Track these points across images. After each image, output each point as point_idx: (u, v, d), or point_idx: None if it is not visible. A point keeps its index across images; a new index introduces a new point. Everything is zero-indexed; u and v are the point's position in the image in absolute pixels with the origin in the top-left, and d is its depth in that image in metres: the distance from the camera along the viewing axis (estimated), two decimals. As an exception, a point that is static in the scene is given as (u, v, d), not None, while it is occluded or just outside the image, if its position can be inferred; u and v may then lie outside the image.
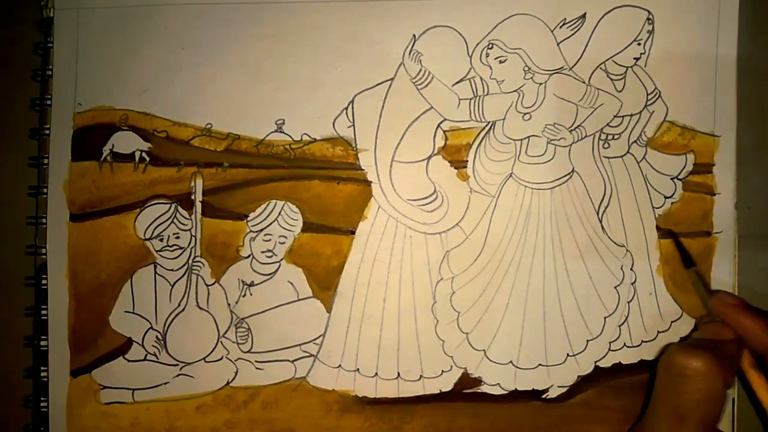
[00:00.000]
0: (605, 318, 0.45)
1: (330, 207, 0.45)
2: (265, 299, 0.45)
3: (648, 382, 0.44)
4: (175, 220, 0.45)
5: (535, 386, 0.45)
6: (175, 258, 0.45)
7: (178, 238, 0.45)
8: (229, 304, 0.45)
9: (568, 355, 0.45)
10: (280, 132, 0.45)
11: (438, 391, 0.45)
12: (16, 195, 0.46)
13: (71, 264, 0.45)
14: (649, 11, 0.45)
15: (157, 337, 0.45)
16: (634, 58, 0.45)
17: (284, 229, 0.45)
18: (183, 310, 0.45)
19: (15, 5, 0.47)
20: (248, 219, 0.45)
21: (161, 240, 0.45)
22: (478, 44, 0.45)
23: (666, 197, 0.45)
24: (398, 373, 0.45)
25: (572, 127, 0.45)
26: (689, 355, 0.34)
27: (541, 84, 0.45)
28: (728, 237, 0.45)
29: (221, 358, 0.45)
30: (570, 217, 0.45)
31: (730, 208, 0.45)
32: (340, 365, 0.45)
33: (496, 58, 0.45)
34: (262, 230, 0.45)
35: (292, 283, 0.45)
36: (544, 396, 0.45)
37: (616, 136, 0.45)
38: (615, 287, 0.45)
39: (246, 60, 0.45)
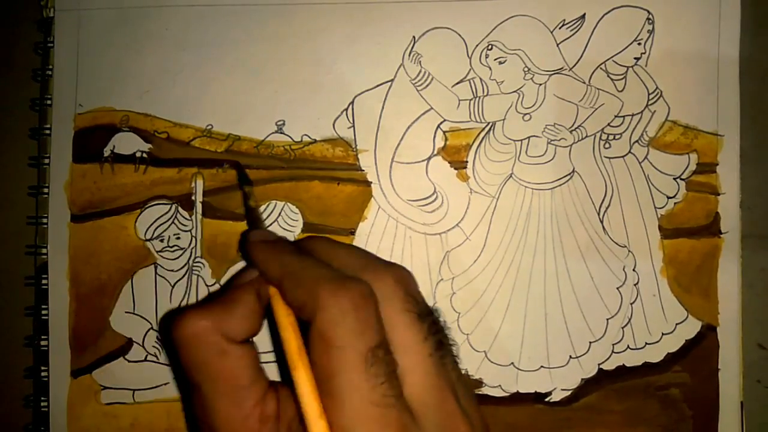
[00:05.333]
0: (608, 320, 0.45)
1: (330, 207, 0.45)
2: (265, 300, 0.45)
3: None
4: (175, 221, 0.45)
5: (537, 389, 0.45)
6: (175, 259, 0.46)
7: (178, 238, 0.45)
8: (229, 305, 0.45)
9: (570, 357, 0.45)
10: (281, 133, 0.46)
11: (438, 393, 0.45)
12: (16, 195, 0.46)
13: (72, 264, 0.45)
14: (648, 11, 0.45)
15: (157, 337, 0.45)
16: (635, 58, 0.45)
17: (284, 229, 0.45)
18: (183, 310, 0.45)
19: (15, 5, 0.47)
20: (248, 220, 0.45)
21: (162, 241, 0.45)
22: (477, 45, 0.45)
23: (669, 197, 0.45)
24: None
25: (573, 128, 0.45)
26: (176, 322, 0.30)
27: (541, 84, 0.45)
28: (733, 237, 0.44)
29: (221, 359, 0.45)
30: (571, 217, 0.45)
31: (734, 208, 0.44)
32: (340, 366, 0.45)
33: (495, 59, 0.45)
34: (262, 231, 0.45)
35: (292, 284, 0.45)
36: (547, 399, 0.45)
37: (617, 136, 0.45)
38: (617, 288, 0.45)
39: (246, 61, 0.46)
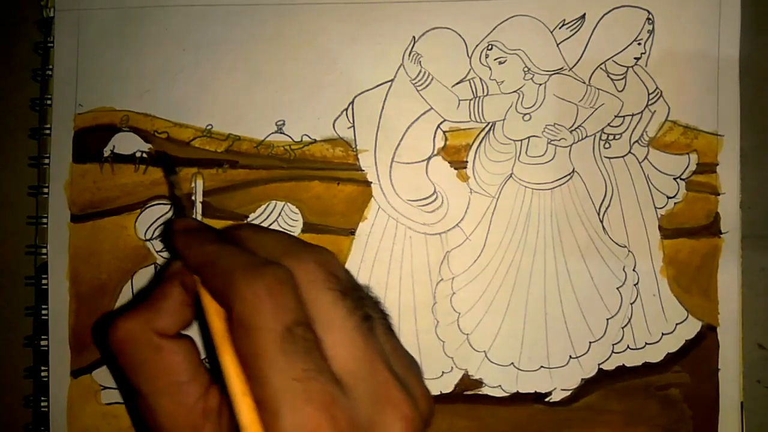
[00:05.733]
0: (608, 320, 0.45)
1: (330, 208, 0.45)
2: (265, 300, 0.45)
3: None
4: (175, 221, 0.45)
5: (537, 389, 0.45)
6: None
7: (178, 238, 0.45)
8: (229, 305, 0.45)
9: (570, 357, 0.45)
10: (281, 133, 0.46)
11: (438, 393, 0.45)
12: (16, 195, 0.46)
13: (72, 264, 0.45)
14: (648, 11, 0.45)
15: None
16: (635, 58, 0.45)
17: (284, 229, 0.45)
18: (183, 310, 0.45)
19: (15, 5, 0.47)
20: (248, 220, 0.45)
21: (162, 241, 0.45)
22: (477, 45, 0.45)
23: (669, 197, 0.45)
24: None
25: (573, 128, 0.45)
26: (110, 328, 0.30)
27: (541, 84, 0.45)
28: (734, 237, 0.44)
29: (221, 359, 0.45)
30: (570, 217, 0.45)
31: (735, 208, 0.44)
32: (339, 366, 0.45)
33: (495, 59, 0.45)
34: (262, 231, 0.45)
35: (292, 284, 0.45)
36: (547, 399, 0.45)
37: (617, 136, 0.45)
38: (617, 288, 0.45)
39: (246, 61, 0.46)
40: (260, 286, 0.28)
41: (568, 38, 0.45)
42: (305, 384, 0.27)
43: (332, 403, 0.27)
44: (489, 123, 0.45)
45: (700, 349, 0.44)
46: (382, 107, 0.45)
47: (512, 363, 0.45)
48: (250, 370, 0.28)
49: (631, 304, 0.45)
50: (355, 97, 0.46)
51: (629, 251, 0.45)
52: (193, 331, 0.33)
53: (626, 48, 0.45)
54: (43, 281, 0.45)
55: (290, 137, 0.46)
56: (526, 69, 0.45)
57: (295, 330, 0.28)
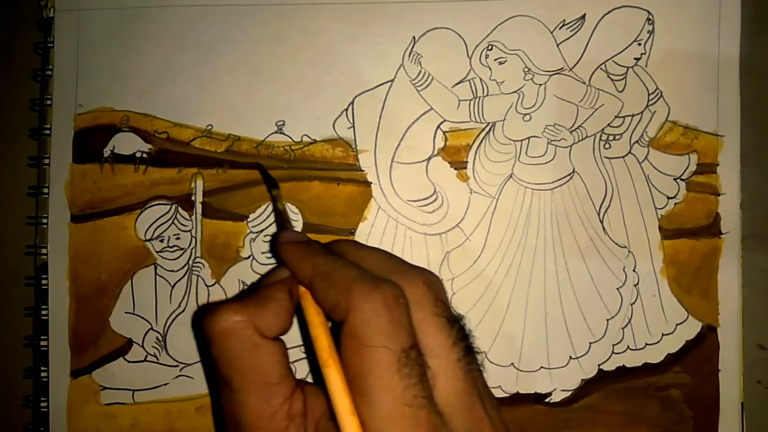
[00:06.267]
0: (608, 320, 0.45)
1: (330, 208, 0.45)
2: (264, 300, 0.45)
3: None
4: (175, 221, 0.45)
5: (537, 389, 0.45)
6: (175, 259, 0.46)
7: (178, 239, 0.45)
8: (229, 305, 0.45)
9: (570, 357, 0.45)
10: (281, 133, 0.46)
11: (438, 393, 0.45)
12: (16, 195, 0.46)
13: (72, 264, 0.45)
14: (648, 11, 0.45)
15: (157, 338, 0.45)
16: (635, 59, 0.45)
17: (284, 230, 0.45)
18: (183, 311, 0.45)
19: (15, 5, 0.47)
20: (248, 220, 0.45)
21: (162, 241, 0.45)
22: (477, 46, 0.45)
23: (669, 198, 0.45)
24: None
25: (573, 128, 0.45)
26: (210, 315, 0.31)
27: (541, 85, 0.45)
28: (734, 238, 0.44)
29: (221, 360, 0.45)
30: (571, 217, 0.45)
31: (735, 208, 0.44)
32: (339, 367, 0.45)
33: (495, 60, 0.45)
34: (262, 231, 0.45)
35: (292, 284, 0.45)
36: (547, 400, 0.45)
37: (617, 137, 0.45)
38: (617, 289, 0.45)
39: (246, 61, 0.46)
40: (378, 301, 0.29)
41: (568, 38, 0.45)
42: (415, 410, 0.27)
43: None
44: (489, 123, 0.45)
45: (701, 350, 0.44)
46: (382, 107, 0.45)
47: (512, 363, 0.45)
48: (359, 387, 0.28)
49: (631, 304, 0.45)
50: (355, 97, 0.46)
51: (629, 252, 0.45)
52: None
53: (626, 48, 0.45)
54: (43, 281, 0.45)
55: (290, 137, 0.46)
56: (526, 69, 0.45)
57: (411, 353, 0.28)
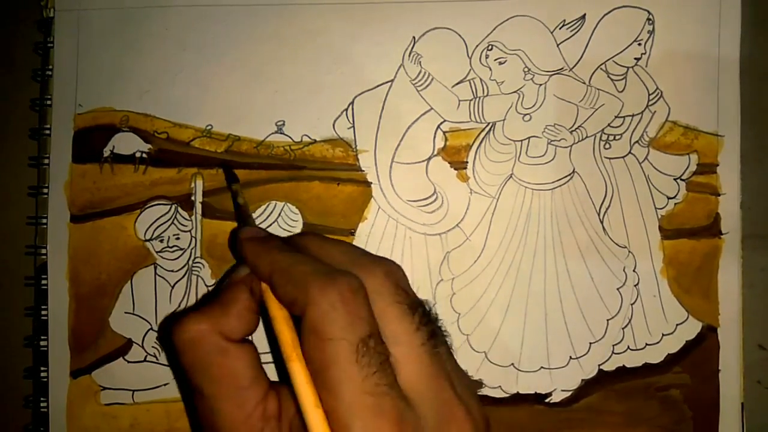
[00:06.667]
0: (608, 320, 0.45)
1: (330, 208, 0.45)
2: (264, 300, 0.45)
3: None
4: (175, 221, 0.45)
5: (537, 390, 0.45)
6: (175, 259, 0.45)
7: (178, 239, 0.45)
8: (228, 306, 0.45)
9: (570, 357, 0.45)
10: (281, 133, 0.46)
11: (438, 394, 0.45)
12: (16, 195, 0.46)
13: (71, 264, 0.45)
14: (649, 11, 0.45)
15: (156, 338, 0.45)
16: (635, 59, 0.45)
17: (284, 230, 0.45)
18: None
19: (15, 5, 0.47)
20: (248, 220, 0.45)
21: (161, 241, 0.45)
22: (477, 46, 0.45)
23: (669, 198, 0.45)
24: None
25: (573, 128, 0.45)
26: (176, 326, 0.30)
27: (541, 85, 0.45)
28: (734, 238, 0.44)
29: (221, 360, 0.45)
30: (571, 218, 0.45)
31: (735, 208, 0.44)
32: (339, 367, 0.45)
33: (495, 60, 0.45)
34: (261, 231, 0.45)
35: (291, 285, 0.45)
36: (547, 400, 0.45)
37: (617, 137, 0.45)
38: (617, 289, 0.45)
39: (246, 61, 0.46)
40: (334, 295, 0.29)
41: (568, 38, 0.45)
42: (377, 398, 0.27)
43: (402, 420, 0.28)
44: (489, 123, 0.45)
45: (701, 350, 0.44)
46: (382, 107, 0.45)
47: (512, 364, 0.45)
48: (322, 381, 0.28)
49: (632, 304, 0.45)
50: (355, 97, 0.45)
51: (629, 252, 0.45)
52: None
53: (626, 48, 0.45)
54: (43, 281, 0.45)
55: (290, 137, 0.46)
56: (526, 69, 0.45)
57: (369, 342, 0.28)
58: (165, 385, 0.45)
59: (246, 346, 0.31)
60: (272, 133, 0.46)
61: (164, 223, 0.45)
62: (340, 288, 0.29)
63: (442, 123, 0.45)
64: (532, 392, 0.45)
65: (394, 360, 0.29)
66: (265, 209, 0.45)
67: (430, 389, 0.29)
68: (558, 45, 0.45)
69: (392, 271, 0.32)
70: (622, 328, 0.45)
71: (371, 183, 0.45)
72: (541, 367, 0.45)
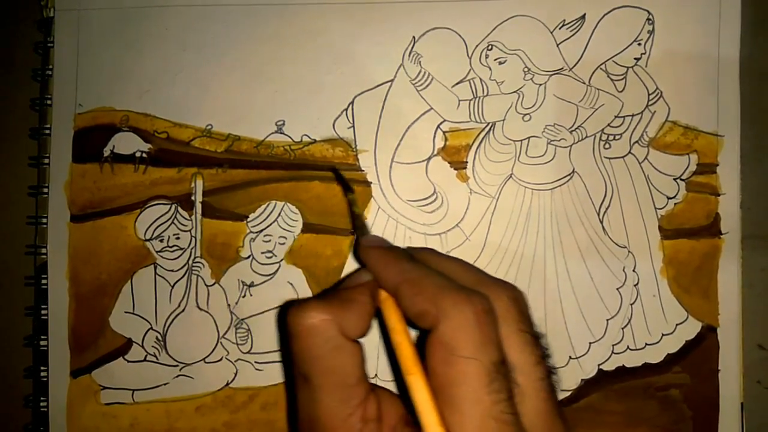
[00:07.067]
0: (607, 320, 0.45)
1: (330, 208, 0.45)
2: (264, 300, 0.45)
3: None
4: (175, 221, 0.45)
5: (537, 389, 0.45)
6: (175, 259, 0.46)
7: (178, 238, 0.45)
8: (228, 305, 0.45)
9: (570, 357, 0.45)
10: (280, 133, 0.46)
11: (438, 393, 0.45)
12: (16, 195, 0.46)
13: (71, 264, 0.45)
14: (648, 11, 0.45)
15: (156, 337, 0.45)
16: (635, 59, 0.45)
17: (284, 229, 0.45)
18: (183, 310, 0.45)
19: (15, 5, 0.47)
20: (248, 220, 0.45)
21: (161, 241, 0.45)
22: (477, 46, 0.45)
23: (669, 198, 0.45)
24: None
25: (573, 128, 0.45)
26: (296, 311, 0.30)
27: (541, 85, 0.45)
28: (734, 238, 0.44)
29: (221, 359, 0.45)
30: (570, 218, 0.45)
31: (735, 208, 0.44)
32: (339, 366, 0.45)
33: (495, 60, 0.45)
34: (261, 231, 0.45)
35: (292, 284, 0.45)
36: (547, 399, 0.45)
37: (617, 137, 0.45)
38: (617, 289, 0.45)
39: (246, 61, 0.46)
40: (469, 312, 0.28)
41: (568, 38, 0.45)
42: (501, 426, 0.27)
43: None
44: (489, 123, 0.45)
45: (700, 350, 0.44)
46: (382, 107, 0.45)
47: (512, 364, 0.45)
48: (447, 397, 0.28)
49: (631, 304, 0.45)
50: (355, 97, 0.46)
51: (629, 252, 0.45)
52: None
53: (626, 48, 0.45)
54: (43, 281, 0.45)
55: (290, 137, 0.46)
56: (526, 69, 0.45)
57: (501, 368, 0.28)
58: (165, 384, 0.45)
59: (358, 345, 0.31)
60: (272, 133, 0.46)
61: (164, 222, 0.45)
62: (475, 306, 0.28)
63: (442, 123, 0.45)
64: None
65: (517, 391, 0.29)
66: (265, 209, 0.45)
67: (544, 427, 0.29)
68: (558, 45, 0.45)
69: (517, 297, 0.31)
70: (622, 328, 0.45)
71: (371, 183, 0.45)
72: (541, 367, 0.45)
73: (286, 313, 0.31)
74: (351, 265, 0.45)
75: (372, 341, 0.45)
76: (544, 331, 0.32)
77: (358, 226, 0.40)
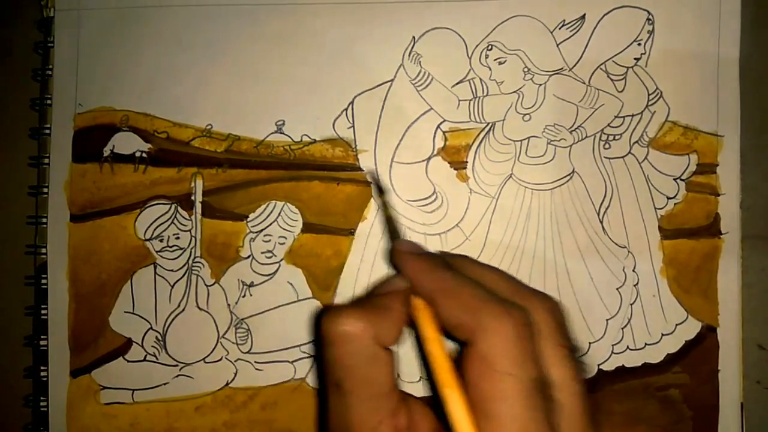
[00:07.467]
0: (607, 320, 0.45)
1: (330, 208, 0.45)
2: (264, 300, 0.45)
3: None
4: (175, 221, 0.45)
5: (537, 389, 0.45)
6: (175, 258, 0.46)
7: (178, 238, 0.45)
8: (228, 305, 0.45)
9: (570, 357, 0.45)
10: (280, 133, 0.46)
11: (438, 393, 0.45)
12: (16, 195, 0.46)
13: (71, 264, 0.45)
14: (648, 11, 0.45)
15: (156, 337, 0.45)
16: (635, 59, 0.45)
17: (284, 229, 0.45)
18: (183, 310, 0.45)
19: (15, 5, 0.47)
20: (248, 220, 0.45)
21: (161, 240, 0.45)
22: (477, 46, 0.45)
23: (669, 198, 0.45)
24: (397, 374, 0.45)
25: (572, 128, 0.45)
26: (330, 318, 0.30)
27: (541, 85, 0.45)
28: (733, 238, 0.44)
29: (221, 359, 0.45)
30: (570, 217, 0.45)
31: (735, 208, 0.44)
32: (339, 366, 0.45)
33: (495, 60, 0.45)
34: (261, 231, 0.45)
35: (291, 284, 0.45)
36: (546, 400, 0.45)
37: (617, 137, 0.45)
38: (617, 289, 0.45)
39: (246, 61, 0.46)
40: (510, 327, 0.28)
41: (568, 38, 0.45)
42: None
43: None
44: (489, 123, 0.45)
45: (700, 350, 0.44)
46: (382, 107, 0.45)
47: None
48: (485, 411, 0.28)
49: (631, 304, 0.45)
50: (355, 97, 0.46)
51: (629, 252, 0.45)
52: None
53: (626, 48, 0.45)
54: (43, 281, 0.46)
55: (290, 137, 0.46)
56: (526, 69, 0.45)
57: (539, 385, 0.28)
58: (165, 384, 0.45)
59: (390, 353, 0.31)
60: (272, 133, 0.46)
61: (164, 222, 0.45)
62: (515, 320, 0.28)
63: (441, 123, 0.45)
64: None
65: (555, 407, 0.28)
66: (264, 209, 0.45)
67: None
68: (558, 45, 0.45)
69: (556, 309, 0.31)
70: (622, 328, 0.45)
71: (371, 183, 0.45)
72: (541, 367, 0.45)
73: (321, 318, 0.31)
74: (350, 265, 0.45)
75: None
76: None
77: (390, 229, 0.40)
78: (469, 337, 0.29)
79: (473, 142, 0.45)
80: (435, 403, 0.30)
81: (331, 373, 0.30)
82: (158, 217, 0.45)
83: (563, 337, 0.30)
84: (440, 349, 0.30)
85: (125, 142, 0.46)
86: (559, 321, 0.31)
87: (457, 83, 0.45)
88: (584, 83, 0.45)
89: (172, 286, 0.46)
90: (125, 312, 0.45)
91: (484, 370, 0.28)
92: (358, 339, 0.29)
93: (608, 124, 0.45)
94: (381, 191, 0.43)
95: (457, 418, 0.28)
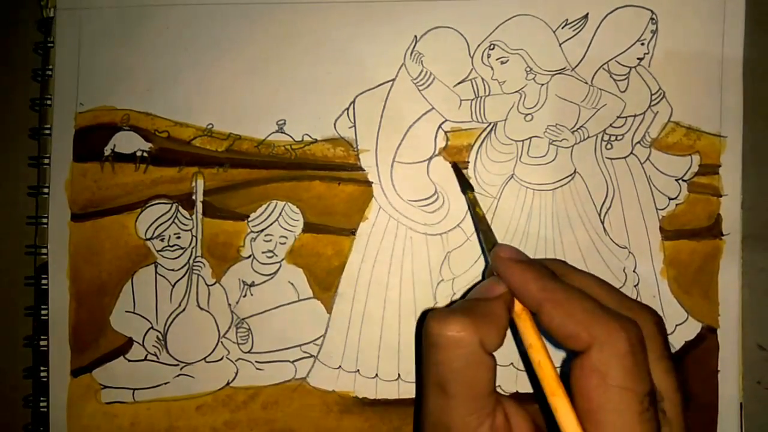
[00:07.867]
0: (608, 320, 0.45)
1: (331, 207, 0.45)
2: (265, 300, 0.45)
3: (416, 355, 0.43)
4: (176, 220, 0.45)
5: (537, 389, 0.45)
6: (175, 258, 0.45)
7: (179, 238, 0.45)
8: (229, 305, 0.45)
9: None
10: (281, 132, 0.45)
11: (438, 393, 0.45)
12: (16, 195, 0.46)
13: (72, 264, 0.45)
14: (652, 11, 0.45)
15: (157, 337, 0.45)
16: (638, 59, 0.45)
17: (285, 229, 0.45)
18: (183, 310, 0.45)
19: (15, 5, 0.47)
20: (249, 219, 0.45)
21: (162, 240, 0.45)
22: (479, 45, 0.45)
23: (670, 199, 0.45)
24: (398, 374, 0.45)
25: (574, 128, 0.45)
26: (438, 321, 0.31)
27: (543, 85, 0.45)
28: (735, 239, 0.44)
29: (221, 359, 0.45)
30: (571, 218, 0.45)
31: (737, 210, 0.44)
32: (340, 366, 0.45)
33: (497, 59, 0.45)
34: (262, 230, 0.45)
35: (292, 284, 0.45)
36: (547, 399, 0.45)
37: (619, 137, 0.45)
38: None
39: (248, 60, 0.45)
40: (623, 341, 0.28)
41: (570, 38, 0.45)
42: None
43: None
44: (490, 123, 0.45)
45: (700, 351, 0.44)
46: (384, 107, 0.45)
47: (512, 363, 0.45)
48: (596, 422, 0.28)
49: (632, 305, 0.45)
50: (357, 96, 0.45)
51: (630, 252, 0.45)
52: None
53: (629, 48, 0.45)
54: (43, 281, 0.45)
55: (291, 137, 0.45)
56: (528, 69, 0.45)
57: (652, 399, 0.28)
58: (165, 383, 0.45)
59: (493, 358, 0.31)
60: (273, 132, 0.45)
61: (165, 222, 0.45)
62: (629, 335, 0.28)
63: (443, 122, 0.45)
64: (532, 391, 0.45)
65: (664, 420, 0.29)
66: (265, 208, 0.45)
67: None
68: (560, 44, 0.45)
69: (660, 322, 0.32)
70: (622, 328, 0.45)
71: (372, 183, 0.45)
72: (541, 367, 0.45)
73: (427, 321, 0.31)
74: (351, 264, 0.45)
75: (391, 344, 0.45)
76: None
77: (482, 229, 0.39)
78: (580, 348, 0.29)
79: (475, 142, 0.45)
80: (544, 407, 0.30)
81: (435, 375, 0.31)
82: (159, 217, 0.45)
83: (668, 350, 0.31)
84: (545, 357, 0.31)
85: (126, 142, 0.46)
86: (664, 334, 0.31)
87: (458, 83, 0.45)
88: (587, 83, 0.45)
89: (173, 286, 0.46)
90: (126, 311, 0.45)
91: (597, 382, 0.28)
92: (466, 344, 0.30)
93: (610, 125, 0.45)
94: (467, 187, 0.42)
95: (567, 427, 0.29)
